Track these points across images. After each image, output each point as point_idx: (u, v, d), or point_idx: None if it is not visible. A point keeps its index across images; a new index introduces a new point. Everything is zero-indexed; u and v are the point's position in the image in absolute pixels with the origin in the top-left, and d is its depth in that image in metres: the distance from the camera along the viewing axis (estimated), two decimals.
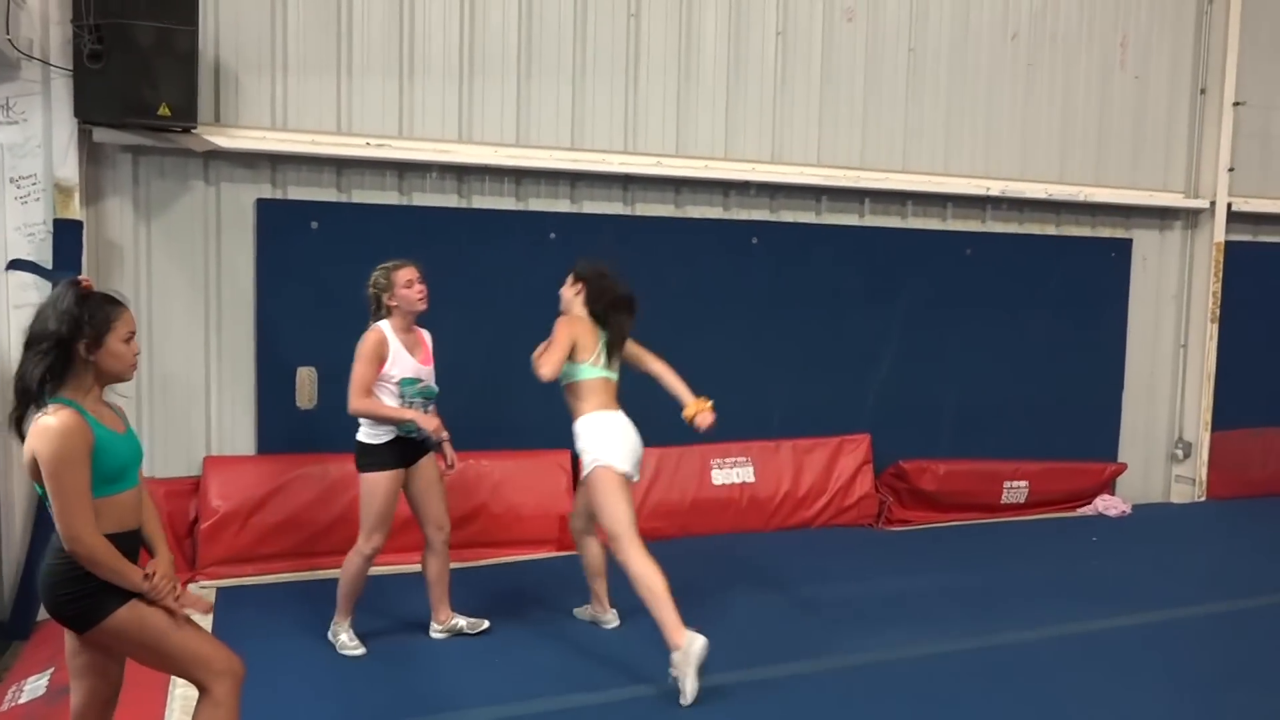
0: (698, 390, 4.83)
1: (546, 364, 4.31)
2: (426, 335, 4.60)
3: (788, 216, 6.82)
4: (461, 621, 4.68)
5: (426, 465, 4.51)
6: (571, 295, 4.64)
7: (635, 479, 4.61)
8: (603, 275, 4.63)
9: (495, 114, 6.01)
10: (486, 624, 4.71)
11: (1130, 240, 7.84)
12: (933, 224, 7.23)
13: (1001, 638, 4.88)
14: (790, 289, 6.79)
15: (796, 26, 6.68)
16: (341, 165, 5.76)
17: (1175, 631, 5.08)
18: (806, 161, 6.74)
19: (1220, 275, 7.93)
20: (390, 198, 5.88)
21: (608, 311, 4.59)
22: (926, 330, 7.19)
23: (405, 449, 4.41)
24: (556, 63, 6.13)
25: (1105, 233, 7.79)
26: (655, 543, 6.10)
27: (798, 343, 6.84)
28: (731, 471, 6.60)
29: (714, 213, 6.63)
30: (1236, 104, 7.83)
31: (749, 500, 6.61)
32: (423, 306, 4.45)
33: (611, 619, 4.88)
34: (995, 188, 7.22)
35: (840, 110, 6.84)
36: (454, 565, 5.33)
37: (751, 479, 6.64)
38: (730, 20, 6.51)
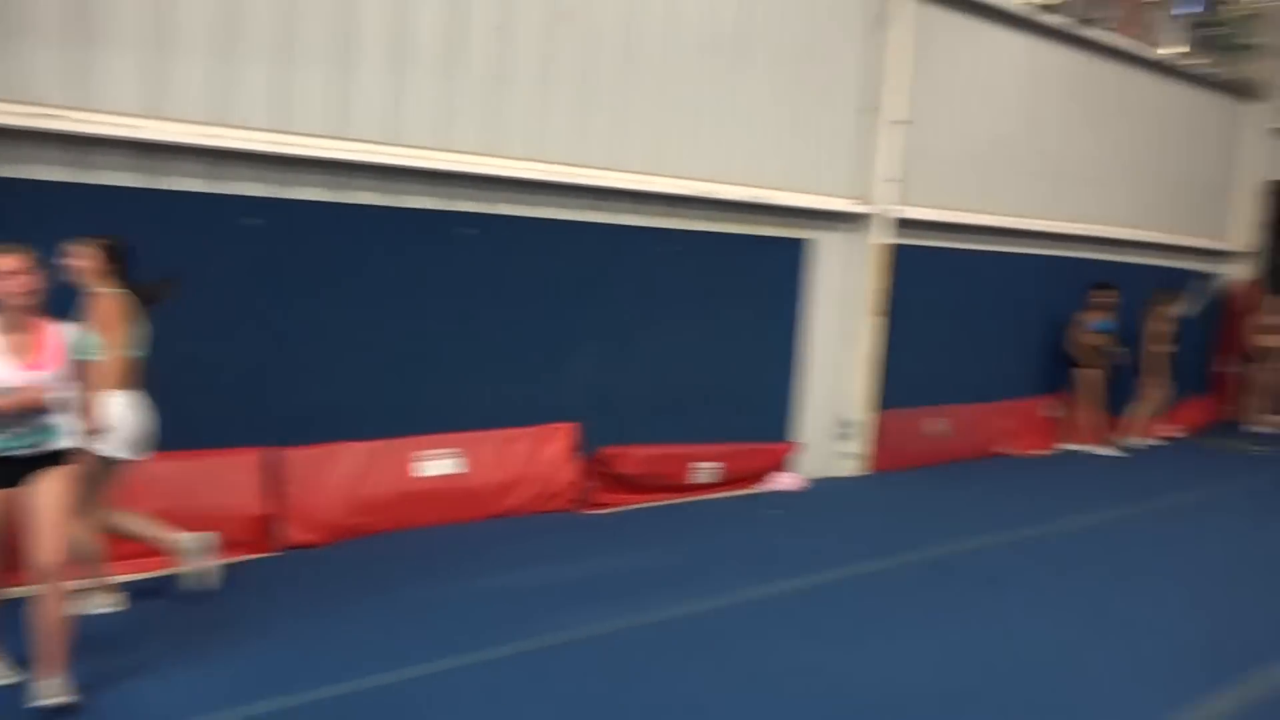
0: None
1: (113, 346, 4.50)
2: (55, 333, 3.97)
3: (503, 209, 6.89)
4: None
5: (31, 493, 3.91)
6: (102, 270, 4.67)
7: (141, 456, 4.87)
8: (125, 251, 4.75)
9: (188, 88, 5.58)
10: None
11: (811, 241, 8.63)
12: (639, 220, 7.57)
13: (694, 607, 5.35)
14: (502, 281, 6.88)
15: (515, 21, 6.71)
16: (2, 135, 5.13)
17: (846, 589, 5.79)
18: (523, 155, 6.83)
19: (884, 274, 8.93)
20: (62, 174, 5.33)
21: (138, 286, 4.77)
22: (630, 323, 7.56)
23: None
24: (261, 38, 5.78)
25: (790, 233, 8.51)
26: (364, 538, 6.16)
27: (508, 334, 6.96)
28: (440, 463, 6.63)
29: (428, 203, 6.56)
30: (901, 122, 8.81)
31: (458, 491, 6.67)
32: (19, 301, 3.85)
33: (104, 600, 4.90)
34: (696, 188, 7.68)
35: (556, 107, 6.97)
36: (136, 576, 5.05)
37: (460, 469, 6.71)
38: (448, 11, 6.43)
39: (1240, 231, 13.25)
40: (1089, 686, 4.68)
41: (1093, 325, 10.48)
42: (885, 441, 9.15)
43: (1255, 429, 12.46)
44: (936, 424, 9.61)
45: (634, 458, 7.46)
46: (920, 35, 8.93)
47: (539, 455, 7.08)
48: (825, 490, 8.45)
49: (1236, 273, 13.26)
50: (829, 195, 8.62)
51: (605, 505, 7.35)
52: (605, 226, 7.38)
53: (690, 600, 5.44)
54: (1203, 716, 4.40)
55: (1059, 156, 10.76)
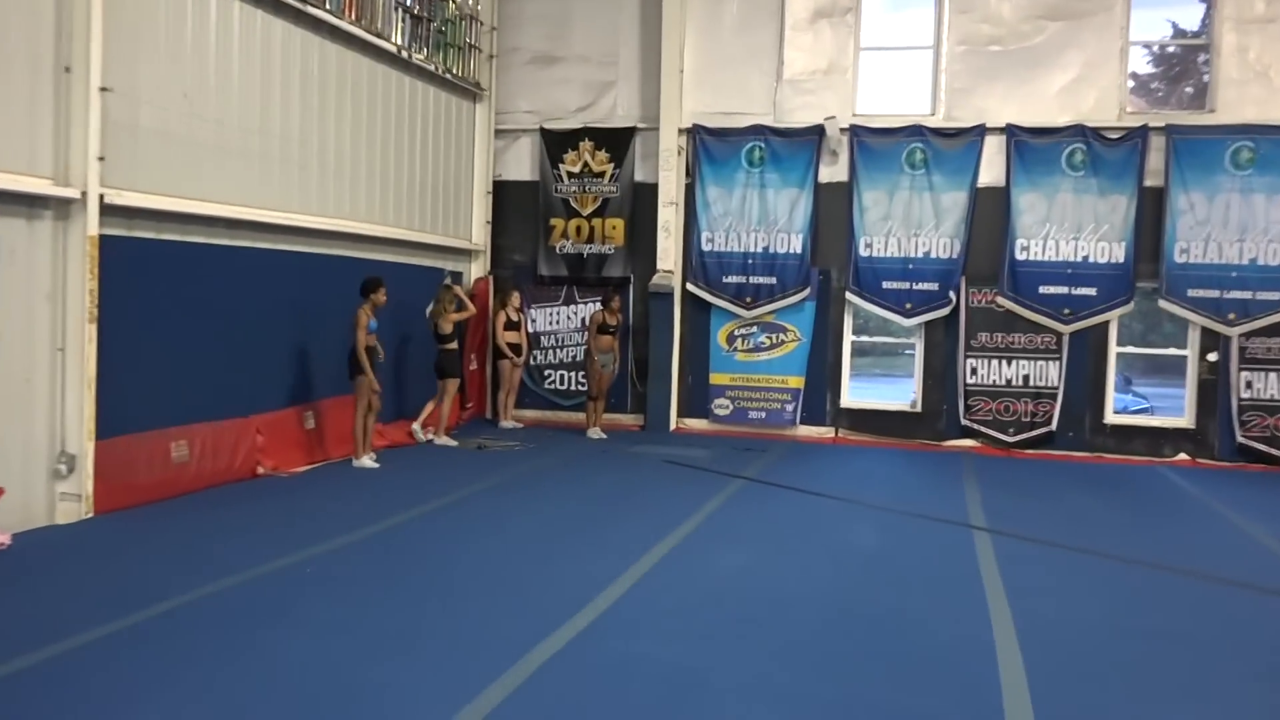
0: None
1: None
2: None
3: None
4: None
5: None
6: None
7: None
8: None
9: None
10: None
11: None
12: None
13: None
14: None
15: None
16: None
17: (68, 664, 5.15)
18: None
19: (97, 271, 8.25)
20: None
21: None
22: None
23: None
24: None
25: None
26: None
27: None
28: None
29: None
30: (104, 89, 8.21)
31: None
32: None
33: None
34: None
35: None
36: None
37: None
38: None
39: (478, 230, 15.11)
40: (384, 698, 4.88)
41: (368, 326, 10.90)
42: (115, 475, 8.47)
43: (505, 425, 14.31)
44: (179, 447, 9.21)
45: None
46: None
47: None
48: (38, 543, 7.52)
49: (477, 271, 15.10)
50: (13, 173, 7.69)
51: None
52: None
53: None
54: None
55: (307, 146, 11.10)
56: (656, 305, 14.49)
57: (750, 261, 14.38)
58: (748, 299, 14.40)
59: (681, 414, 14.79)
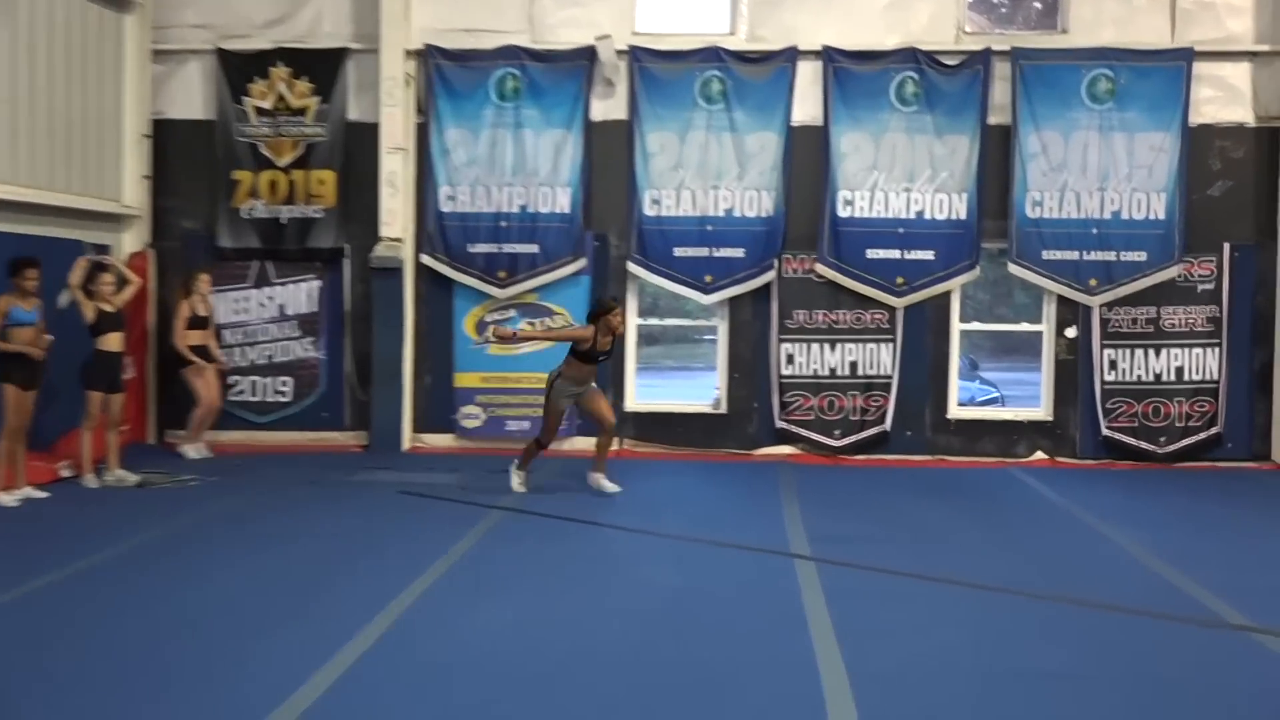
0: None
1: None
2: None
3: None
4: None
5: None
6: None
7: None
8: None
9: None
10: None
11: None
12: None
13: None
14: None
15: None
16: None
17: None
18: None
19: None
20: None
21: None
22: None
23: None
24: None
25: None
26: None
27: None
28: None
29: None
30: None
31: None
32: None
33: None
34: None
35: None
36: None
37: None
38: None
39: (131, 188, 14.30)
40: None
41: (21, 316, 10.71)
42: None
43: (190, 453, 13.59)
44: None
45: None
46: None
47: None
48: None
49: (132, 243, 14.34)
50: None
51: None
52: None
53: None
54: None
55: None
56: (381, 285, 14.12)
57: (504, 225, 14.22)
58: (501, 274, 14.25)
59: (418, 428, 14.51)
